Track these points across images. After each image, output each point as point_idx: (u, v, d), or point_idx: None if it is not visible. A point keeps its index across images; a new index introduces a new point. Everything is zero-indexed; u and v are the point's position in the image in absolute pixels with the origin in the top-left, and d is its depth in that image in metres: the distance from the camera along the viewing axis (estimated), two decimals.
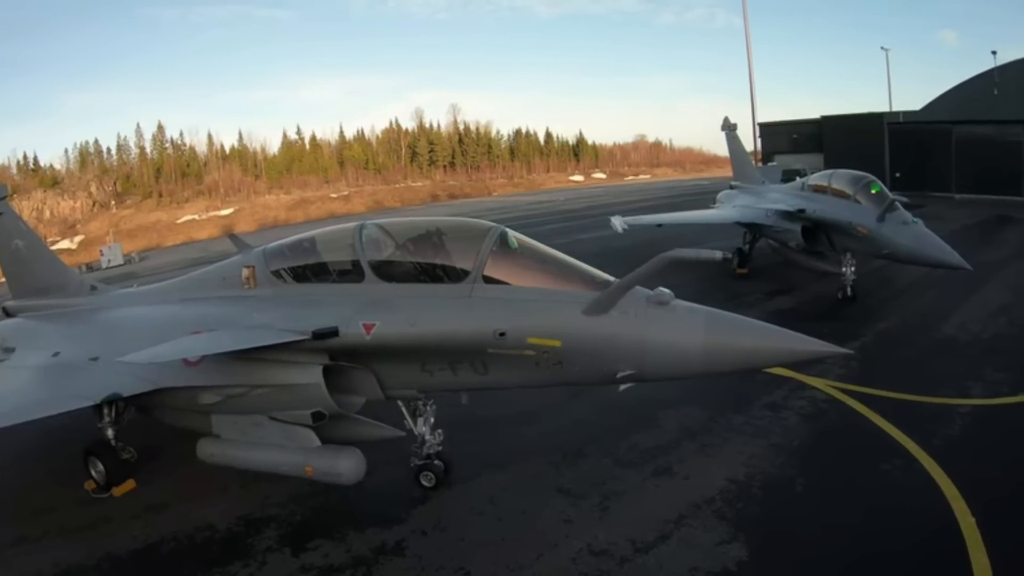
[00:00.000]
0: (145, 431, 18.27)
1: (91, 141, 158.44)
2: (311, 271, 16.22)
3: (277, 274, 16.44)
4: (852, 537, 14.67)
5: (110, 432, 17.74)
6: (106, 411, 17.65)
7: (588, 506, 15.90)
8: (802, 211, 30.78)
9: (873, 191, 29.03)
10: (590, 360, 13.96)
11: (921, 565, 13.88)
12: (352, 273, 15.59)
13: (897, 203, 28.27)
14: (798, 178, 35.40)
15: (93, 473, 17.48)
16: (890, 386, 21.07)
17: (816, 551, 14.34)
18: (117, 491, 17.18)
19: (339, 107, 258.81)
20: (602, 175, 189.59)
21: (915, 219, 27.72)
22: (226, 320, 15.97)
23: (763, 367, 13.85)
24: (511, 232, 15.00)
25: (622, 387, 14.18)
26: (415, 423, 16.67)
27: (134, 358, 14.81)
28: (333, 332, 14.82)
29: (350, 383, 15.63)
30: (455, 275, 14.72)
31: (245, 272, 16.76)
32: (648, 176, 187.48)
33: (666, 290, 13.87)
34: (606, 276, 14.33)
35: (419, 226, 15.76)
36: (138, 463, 17.94)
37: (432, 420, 16.70)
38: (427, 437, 16.71)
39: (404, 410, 16.66)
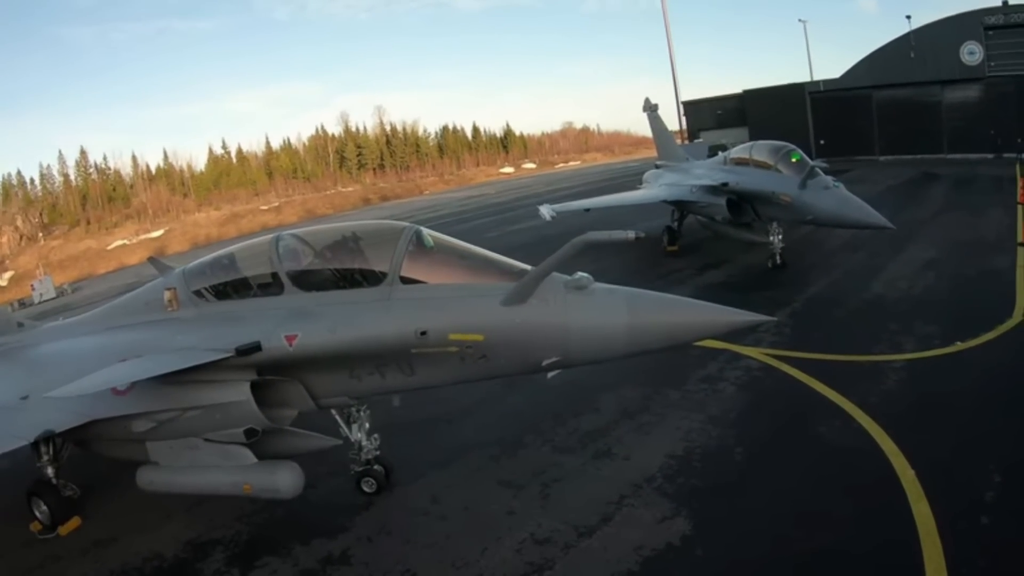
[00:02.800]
0: (86, 466, 18.13)
1: (13, 173, 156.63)
2: (232, 287, 16.16)
3: (199, 294, 16.38)
4: (794, 501, 14.86)
5: (50, 471, 17.56)
6: (43, 449, 17.49)
7: (529, 496, 15.98)
8: (725, 184, 31.04)
9: (793, 159, 29.33)
10: (514, 351, 14.03)
11: (864, 521, 14.09)
12: (272, 286, 15.58)
13: (817, 169, 28.57)
14: (720, 153, 35.70)
15: (37, 514, 17.30)
16: (824, 349, 21.34)
17: (759, 518, 14.51)
18: (63, 530, 17.01)
19: (265, 117, 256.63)
20: (532, 165, 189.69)
21: (836, 183, 28.03)
22: (151, 345, 15.89)
23: (689, 341, 13.97)
24: (426, 230, 15.05)
25: (550, 374, 14.29)
26: (350, 430, 16.66)
27: (61, 392, 14.70)
28: (256, 347, 14.80)
29: (280, 396, 15.60)
30: (373, 278, 14.75)
31: (167, 295, 16.68)
32: (578, 162, 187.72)
33: (584, 274, 13.96)
34: (523, 266, 14.41)
35: (335, 232, 15.76)
36: (82, 499, 17.78)
37: (367, 426, 16.69)
38: (364, 443, 16.70)
39: (338, 418, 16.66)
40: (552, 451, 17.56)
